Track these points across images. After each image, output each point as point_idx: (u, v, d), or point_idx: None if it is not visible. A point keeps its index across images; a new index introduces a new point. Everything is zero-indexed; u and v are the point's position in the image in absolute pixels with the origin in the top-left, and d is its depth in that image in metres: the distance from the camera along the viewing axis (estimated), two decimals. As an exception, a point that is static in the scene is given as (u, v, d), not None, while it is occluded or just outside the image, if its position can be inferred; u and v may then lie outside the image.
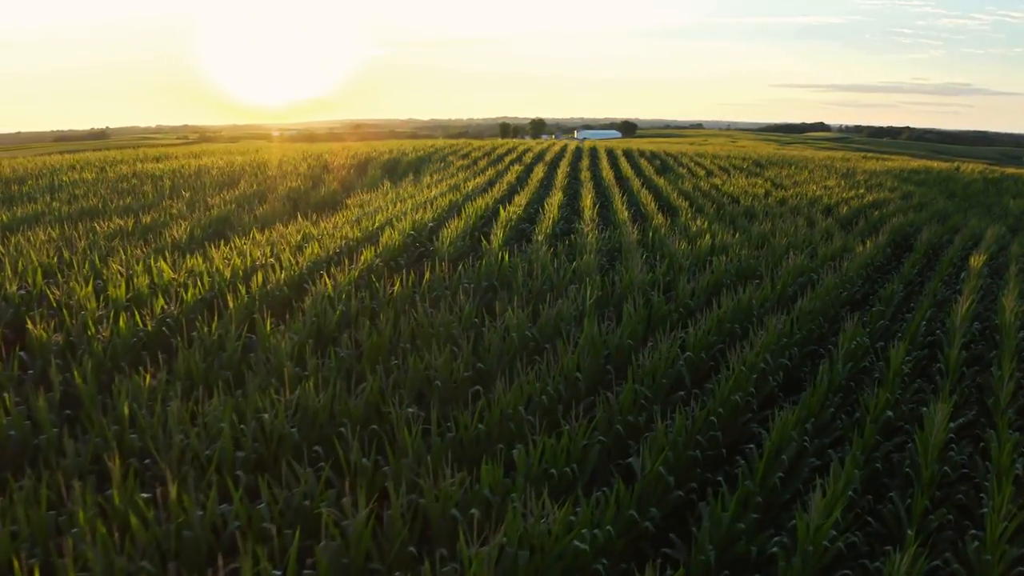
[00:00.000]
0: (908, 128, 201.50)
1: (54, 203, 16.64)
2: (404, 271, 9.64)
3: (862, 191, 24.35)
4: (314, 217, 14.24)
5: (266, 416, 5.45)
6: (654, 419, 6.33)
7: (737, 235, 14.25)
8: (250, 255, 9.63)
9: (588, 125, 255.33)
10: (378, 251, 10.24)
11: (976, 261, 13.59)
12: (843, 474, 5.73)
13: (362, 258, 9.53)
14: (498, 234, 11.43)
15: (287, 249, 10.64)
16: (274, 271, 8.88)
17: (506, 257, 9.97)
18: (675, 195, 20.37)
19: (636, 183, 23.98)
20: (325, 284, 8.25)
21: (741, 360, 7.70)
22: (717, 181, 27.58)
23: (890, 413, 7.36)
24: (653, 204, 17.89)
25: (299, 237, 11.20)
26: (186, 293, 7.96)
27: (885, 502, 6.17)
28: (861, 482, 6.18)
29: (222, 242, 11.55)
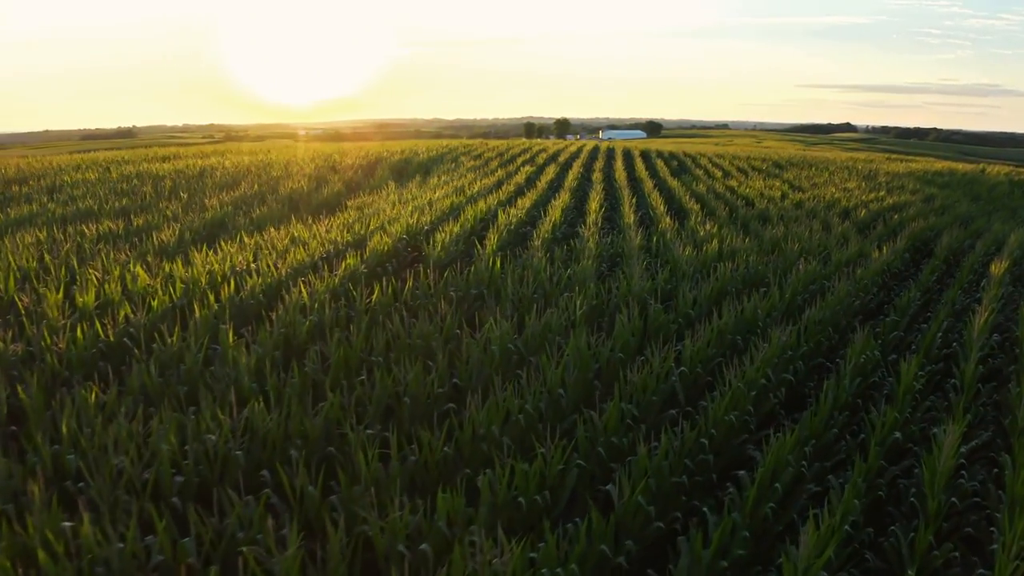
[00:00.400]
0: (935, 129, 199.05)
1: (51, 204, 16.49)
2: (390, 278, 9.28)
3: (882, 194, 23.72)
4: (309, 220, 13.95)
5: (212, 437, 5.10)
6: (641, 440, 5.94)
7: (747, 240, 13.78)
8: (230, 260, 9.31)
9: (613, 125, 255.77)
10: (364, 256, 9.89)
11: (998, 268, 13.03)
12: (841, 504, 5.30)
13: (343, 265, 9.16)
14: (492, 238, 11.04)
15: (272, 254, 10.33)
16: (251, 278, 8.55)
17: (497, 263, 9.58)
18: (687, 198, 19.89)
19: (648, 185, 23.51)
20: (301, 292, 7.91)
21: (739, 376, 7.27)
22: (733, 183, 27.02)
23: (898, 434, 6.89)
24: (663, 207, 17.43)
25: (287, 241, 10.88)
26: (155, 301, 7.65)
27: (888, 534, 5.72)
28: (863, 511, 5.75)
29: (207, 246, 11.26)
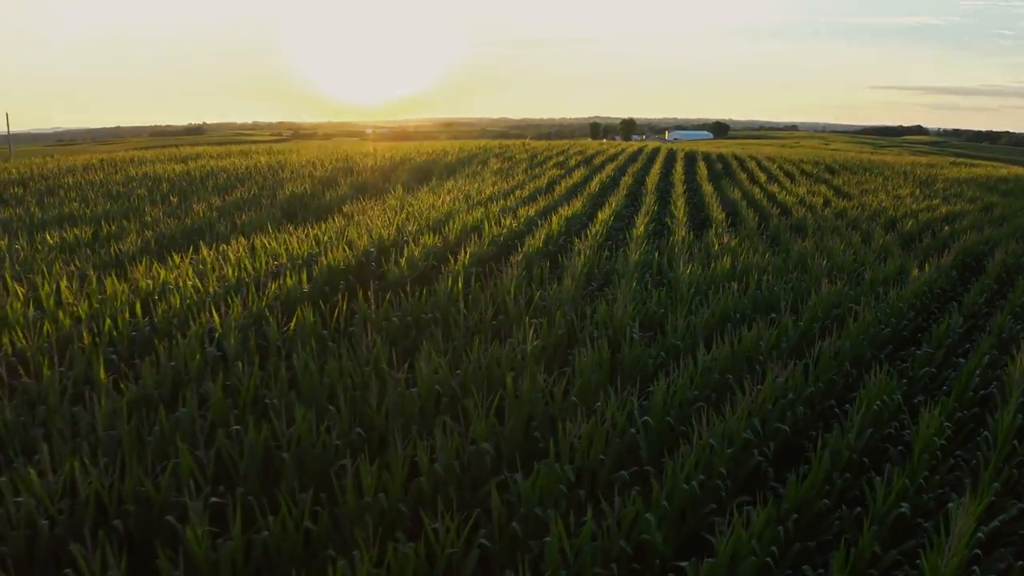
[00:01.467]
0: (1008, 133, 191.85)
1: (34, 209, 16.05)
2: (340, 298, 8.37)
3: (936, 202, 22.05)
4: (290, 228, 13.16)
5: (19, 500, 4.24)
6: (573, 513, 4.90)
7: (767, 256, 12.53)
8: (161, 279, 8.49)
9: (680, 126, 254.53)
10: (314, 274, 9.00)
11: (1057, 291, 11.57)
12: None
13: (275, 285, 8.24)
14: (465, 253, 10.04)
15: (226, 267, 9.52)
16: (174, 297, 7.72)
17: (459, 283, 8.58)
18: (716, 205, 18.62)
19: (678, 190, 22.26)
20: (213, 317, 7.04)
21: (716, 427, 6.17)
22: (775, 188, 25.58)
23: (905, 507, 5.71)
24: (683, 216, 16.23)
25: (242, 253, 10.06)
26: (47, 325, 6.86)
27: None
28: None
29: (175, 255, 10.53)
